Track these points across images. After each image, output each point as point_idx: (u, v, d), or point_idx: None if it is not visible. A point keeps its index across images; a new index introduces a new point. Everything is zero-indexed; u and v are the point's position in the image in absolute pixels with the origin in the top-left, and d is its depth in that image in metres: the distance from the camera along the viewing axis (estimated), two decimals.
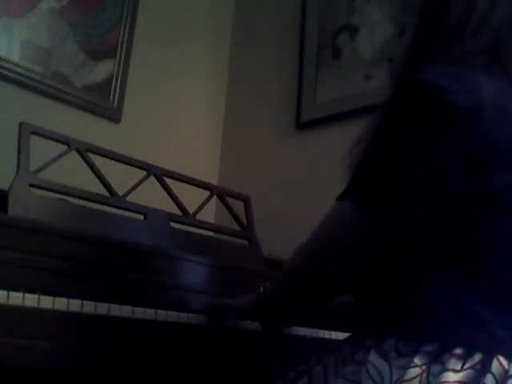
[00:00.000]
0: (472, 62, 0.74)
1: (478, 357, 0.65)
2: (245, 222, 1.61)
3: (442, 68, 0.72)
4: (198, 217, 1.51)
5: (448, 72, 0.71)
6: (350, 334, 0.86)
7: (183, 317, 0.97)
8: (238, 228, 1.61)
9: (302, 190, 1.90)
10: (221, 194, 1.60)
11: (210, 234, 1.62)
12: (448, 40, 0.77)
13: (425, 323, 0.70)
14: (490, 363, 0.64)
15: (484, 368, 0.64)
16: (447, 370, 0.64)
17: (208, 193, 1.57)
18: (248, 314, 0.97)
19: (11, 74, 1.72)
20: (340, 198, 0.77)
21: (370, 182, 0.73)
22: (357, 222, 0.73)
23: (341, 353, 0.79)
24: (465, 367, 0.64)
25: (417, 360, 0.66)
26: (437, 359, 0.66)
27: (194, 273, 1.23)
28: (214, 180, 2.17)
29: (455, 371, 0.64)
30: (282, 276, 0.89)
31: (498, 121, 0.68)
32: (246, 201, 1.65)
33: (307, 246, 0.81)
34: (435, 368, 0.65)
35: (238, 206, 1.63)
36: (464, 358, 0.65)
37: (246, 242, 1.60)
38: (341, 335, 1.19)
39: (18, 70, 1.74)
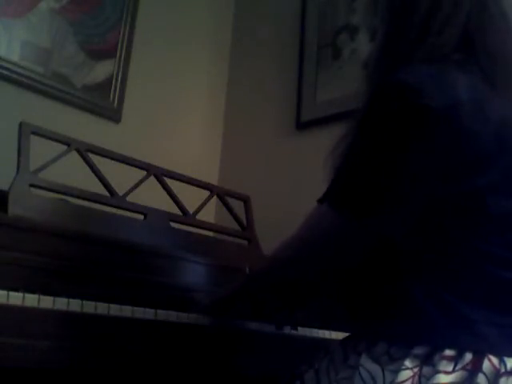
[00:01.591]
0: (446, 59, 0.73)
1: (468, 357, 0.65)
2: (245, 222, 1.61)
3: (417, 68, 0.72)
4: (198, 217, 1.51)
5: (424, 71, 0.71)
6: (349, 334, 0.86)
7: (183, 317, 0.97)
8: (238, 228, 1.61)
9: (302, 190, 1.90)
10: (221, 193, 1.60)
11: (210, 234, 1.62)
12: (416, 38, 0.76)
13: (413, 326, 0.70)
14: (481, 363, 0.64)
15: (475, 368, 0.64)
16: (439, 371, 0.64)
17: (208, 193, 1.57)
18: (214, 306, 0.99)
19: (11, 74, 1.72)
20: (320, 201, 0.77)
21: (346, 188, 0.73)
22: (335, 226, 0.74)
23: (333, 357, 0.79)
24: (456, 368, 0.64)
25: (407, 363, 0.66)
26: (428, 361, 0.66)
27: (194, 273, 1.23)
28: (214, 180, 2.17)
29: (447, 373, 0.64)
30: (256, 276, 0.90)
31: (475, 120, 0.68)
32: (245, 201, 1.65)
33: (285, 247, 0.81)
34: (427, 370, 0.65)
35: (238, 206, 1.63)
36: (455, 360, 0.65)
37: (245, 242, 1.60)
38: (341, 335, 1.19)
39: (18, 70, 1.73)
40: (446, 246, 0.70)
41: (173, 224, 1.42)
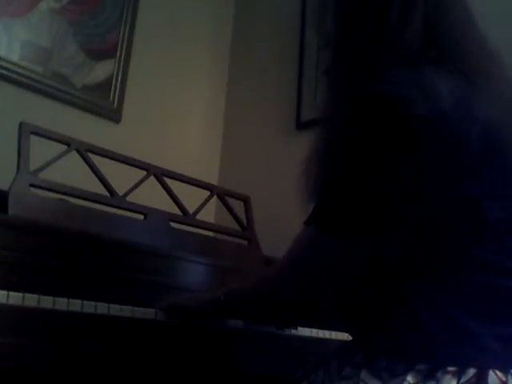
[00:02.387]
0: (421, 56, 0.70)
1: (471, 372, 0.63)
2: (245, 222, 1.61)
3: (396, 73, 0.68)
4: (198, 217, 1.51)
5: (403, 77, 0.67)
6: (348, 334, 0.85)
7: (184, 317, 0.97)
8: (238, 228, 1.61)
9: None
10: (221, 194, 1.60)
11: (210, 234, 1.62)
12: (373, 34, 0.72)
13: (415, 342, 0.67)
14: (487, 377, 0.62)
15: (479, 382, 0.62)
16: None
17: (208, 193, 1.57)
18: (196, 311, 0.97)
19: (11, 74, 1.72)
20: (307, 223, 0.73)
21: (331, 210, 0.69)
22: (323, 249, 0.70)
23: (328, 369, 0.78)
24: (460, 383, 0.63)
25: (410, 378, 0.64)
26: (430, 377, 0.64)
27: (194, 273, 1.23)
28: (214, 180, 2.17)
29: None
30: (248, 294, 0.86)
31: (462, 123, 0.65)
32: (245, 201, 1.65)
33: (276, 272, 0.80)
34: None
35: (238, 206, 1.63)
36: (458, 375, 0.63)
37: (245, 242, 1.60)
38: (341, 335, 1.19)
39: (18, 70, 1.74)
40: (446, 257, 0.67)
41: (173, 224, 1.42)
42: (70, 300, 0.84)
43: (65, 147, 1.29)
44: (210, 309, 0.94)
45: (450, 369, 0.64)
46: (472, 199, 0.66)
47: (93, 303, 0.87)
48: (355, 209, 0.66)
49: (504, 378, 0.62)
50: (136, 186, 1.39)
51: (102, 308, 0.87)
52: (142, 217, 1.38)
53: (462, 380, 0.63)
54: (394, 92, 0.65)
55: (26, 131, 1.21)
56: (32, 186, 1.18)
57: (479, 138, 0.65)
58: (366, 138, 0.65)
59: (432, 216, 0.66)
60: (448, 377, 0.63)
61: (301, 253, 0.75)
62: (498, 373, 0.62)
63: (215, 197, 1.59)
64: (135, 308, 0.91)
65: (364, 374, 0.69)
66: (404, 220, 0.66)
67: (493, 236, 0.67)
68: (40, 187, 1.20)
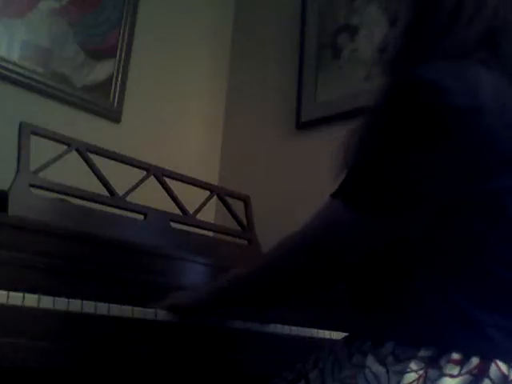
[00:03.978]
0: (470, 56, 0.71)
1: (475, 361, 0.63)
2: (245, 222, 1.61)
3: (441, 65, 0.70)
4: (198, 217, 1.51)
5: (448, 69, 0.69)
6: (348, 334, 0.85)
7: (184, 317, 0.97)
8: (238, 228, 1.61)
9: (302, 190, 1.90)
10: (221, 194, 1.60)
11: (210, 233, 1.62)
12: (441, 31, 0.74)
13: (422, 327, 0.69)
14: (488, 368, 0.63)
15: (481, 373, 0.63)
16: (444, 375, 0.63)
17: (208, 193, 1.57)
18: (200, 306, 0.95)
19: (11, 74, 1.72)
20: (334, 196, 0.76)
21: (362, 184, 0.71)
22: (349, 223, 0.72)
23: (337, 356, 0.78)
24: (462, 372, 0.63)
25: (413, 365, 0.65)
26: (434, 364, 0.65)
27: (194, 273, 1.23)
28: (214, 180, 2.17)
29: (452, 376, 0.63)
30: (260, 267, 0.86)
31: (498, 121, 0.66)
32: (245, 201, 1.65)
33: (293, 240, 0.79)
34: (432, 373, 0.64)
35: (238, 206, 1.63)
36: (461, 363, 0.64)
37: (245, 242, 1.60)
38: (341, 335, 1.19)
39: (18, 70, 1.73)
40: (461, 248, 0.69)
41: (173, 224, 1.42)
42: (70, 300, 0.84)
43: (65, 147, 1.29)
44: (215, 299, 0.93)
45: (454, 357, 0.64)
46: (495, 194, 0.67)
47: (93, 303, 0.87)
48: (382, 185, 0.69)
49: (506, 372, 0.62)
50: (136, 186, 1.39)
51: (101, 308, 0.87)
52: (142, 217, 1.38)
53: (464, 369, 0.63)
54: (436, 81, 0.66)
55: (25, 131, 1.21)
56: (32, 186, 1.18)
57: (510, 136, 0.67)
58: (402, 120, 0.67)
59: (453, 203, 0.68)
60: (450, 365, 0.64)
61: (323, 223, 0.76)
62: (501, 365, 0.63)
63: (215, 197, 1.59)
64: (135, 308, 0.91)
65: (369, 360, 0.69)
66: (426, 201, 0.68)
67: (509, 231, 0.68)
68: (40, 187, 1.20)
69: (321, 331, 1.20)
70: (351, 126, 0.79)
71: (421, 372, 0.65)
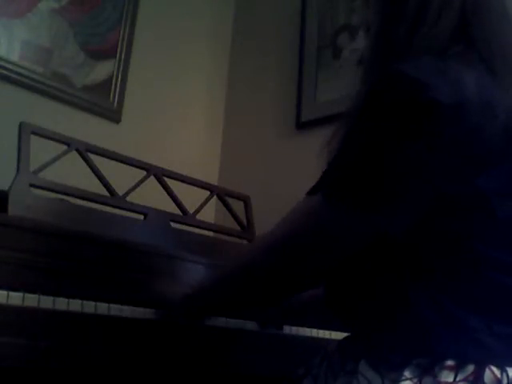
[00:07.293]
0: (445, 51, 0.70)
1: (470, 368, 0.63)
2: (245, 222, 1.61)
3: (422, 60, 0.68)
4: (198, 217, 1.51)
5: (429, 64, 0.67)
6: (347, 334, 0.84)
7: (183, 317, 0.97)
8: (238, 228, 1.61)
9: (302, 190, 1.90)
10: (221, 193, 1.60)
11: (210, 233, 1.62)
12: (410, 28, 0.73)
13: (413, 335, 0.67)
14: (483, 374, 0.62)
15: (477, 379, 0.62)
16: (439, 382, 0.62)
17: (208, 193, 1.57)
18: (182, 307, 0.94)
19: (11, 74, 1.72)
20: (310, 193, 0.74)
21: (343, 180, 0.69)
22: (327, 218, 0.70)
23: (330, 364, 0.77)
24: (457, 379, 0.62)
25: (407, 373, 0.64)
26: (428, 371, 0.64)
27: (194, 273, 1.23)
28: (214, 180, 2.17)
29: (448, 383, 0.62)
30: (233, 267, 0.83)
31: (483, 118, 0.65)
32: (245, 201, 1.65)
33: (269, 238, 0.77)
34: (427, 381, 0.63)
35: (238, 206, 1.63)
36: (456, 370, 0.63)
37: (245, 242, 1.60)
38: (340, 335, 1.19)
39: (18, 69, 1.73)
40: (450, 250, 0.67)
41: (173, 224, 1.42)
42: (70, 300, 0.84)
43: (65, 147, 1.29)
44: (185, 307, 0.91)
45: (448, 364, 0.63)
46: (484, 195, 0.66)
47: (93, 303, 0.87)
48: (365, 181, 0.66)
49: (499, 376, 0.62)
50: (136, 186, 1.39)
51: (101, 308, 0.87)
52: (142, 217, 1.38)
53: (460, 376, 0.62)
54: (419, 76, 0.64)
55: (26, 131, 1.21)
56: (32, 186, 1.18)
57: (498, 133, 0.65)
58: (385, 116, 0.65)
59: (440, 205, 0.66)
60: (445, 372, 0.63)
61: (299, 219, 0.74)
62: (495, 370, 0.62)
63: (215, 197, 1.59)
64: (135, 308, 0.91)
65: (362, 366, 0.68)
66: (412, 198, 0.66)
67: (500, 233, 0.67)
68: (40, 187, 1.20)
69: (321, 331, 1.20)
70: (336, 125, 0.78)
71: (415, 380, 0.63)
